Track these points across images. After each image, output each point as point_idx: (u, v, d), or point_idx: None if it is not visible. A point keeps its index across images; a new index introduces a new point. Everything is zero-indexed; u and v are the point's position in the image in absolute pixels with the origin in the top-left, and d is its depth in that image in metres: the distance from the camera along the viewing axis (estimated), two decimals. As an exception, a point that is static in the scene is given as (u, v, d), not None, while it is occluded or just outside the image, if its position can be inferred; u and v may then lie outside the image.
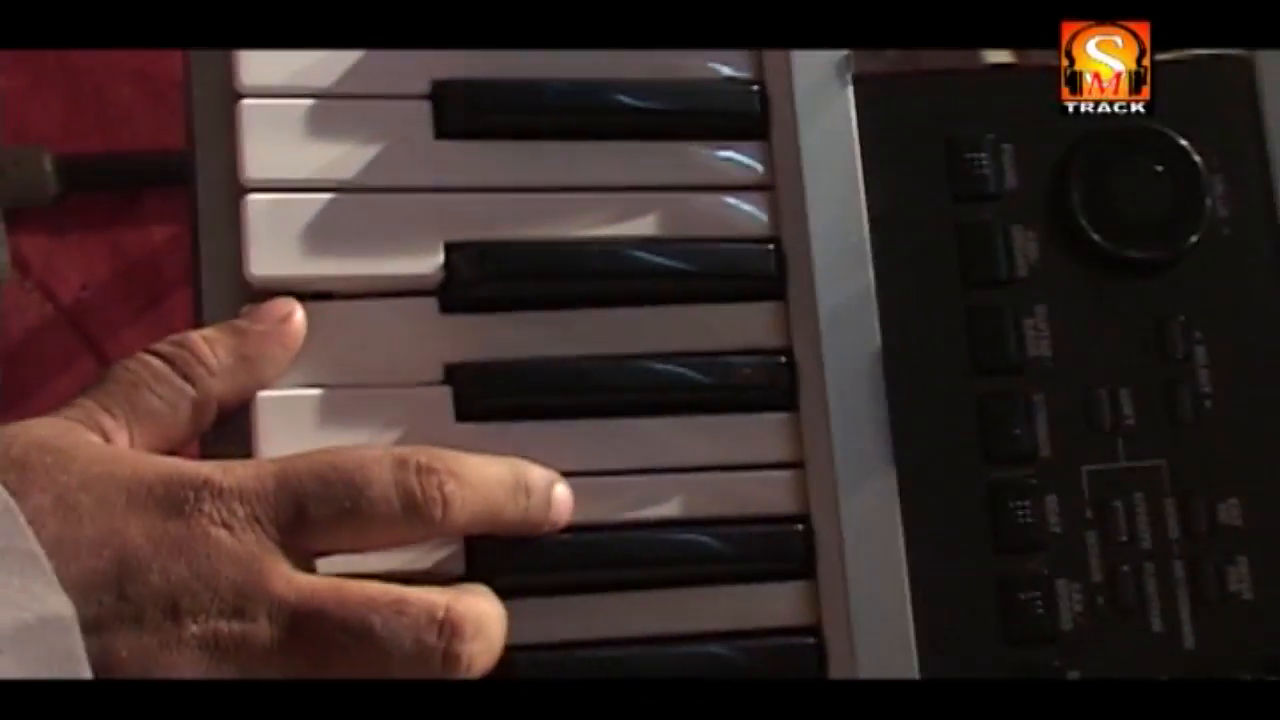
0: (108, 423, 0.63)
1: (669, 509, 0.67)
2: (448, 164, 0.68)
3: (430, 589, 0.62)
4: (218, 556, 0.58)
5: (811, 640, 0.66)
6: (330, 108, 0.67)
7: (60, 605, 0.54)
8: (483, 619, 0.62)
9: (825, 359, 0.67)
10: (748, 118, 0.74)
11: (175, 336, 0.65)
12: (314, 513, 0.60)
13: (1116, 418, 0.70)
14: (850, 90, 0.73)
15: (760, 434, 0.68)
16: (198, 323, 0.67)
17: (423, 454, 0.62)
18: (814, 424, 0.67)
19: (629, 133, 0.71)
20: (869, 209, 0.71)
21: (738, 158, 0.73)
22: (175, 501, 0.59)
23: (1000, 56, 0.87)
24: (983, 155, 0.74)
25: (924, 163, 0.74)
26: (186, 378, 0.64)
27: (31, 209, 1.71)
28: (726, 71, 0.74)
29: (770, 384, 0.68)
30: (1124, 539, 0.69)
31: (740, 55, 0.75)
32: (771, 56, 0.75)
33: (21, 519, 0.54)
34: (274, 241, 0.66)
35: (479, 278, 0.67)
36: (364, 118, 0.68)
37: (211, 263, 0.68)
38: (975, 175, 0.74)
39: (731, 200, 0.71)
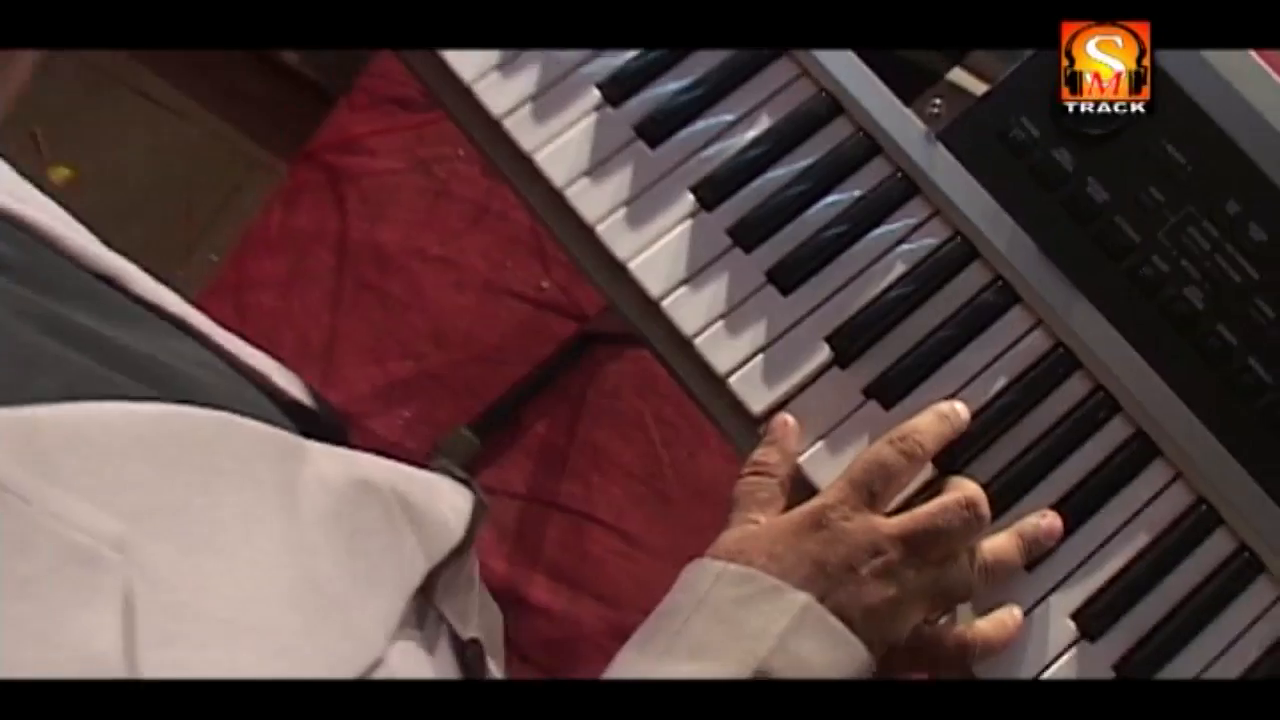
0: (753, 515, 0.73)
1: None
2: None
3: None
4: (854, 534, 0.69)
5: None
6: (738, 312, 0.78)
7: (804, 597, 0.66)
8: (983, 500, 0.71)
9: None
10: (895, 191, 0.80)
11: (748, 463, 0.76)
12: (877, 486, 0.71)
13: None
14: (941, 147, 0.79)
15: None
16: (739, 454, 0.78)
17: (894, 433, 0.73)
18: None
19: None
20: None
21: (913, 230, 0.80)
22: (816, 522, 0.69)
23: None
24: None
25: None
26: (771, 476, 0.75)
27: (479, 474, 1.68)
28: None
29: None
30: None
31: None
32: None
33: (769, 579, 0.67)
34: (756, 389, 0.77)
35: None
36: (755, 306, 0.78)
37: (729, 422, 0.78)
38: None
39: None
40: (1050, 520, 0.74)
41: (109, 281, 0.53)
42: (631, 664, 0.68)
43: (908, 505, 0.72)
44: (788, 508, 0.74)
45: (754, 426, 0.77)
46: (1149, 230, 0.78)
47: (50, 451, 0.38)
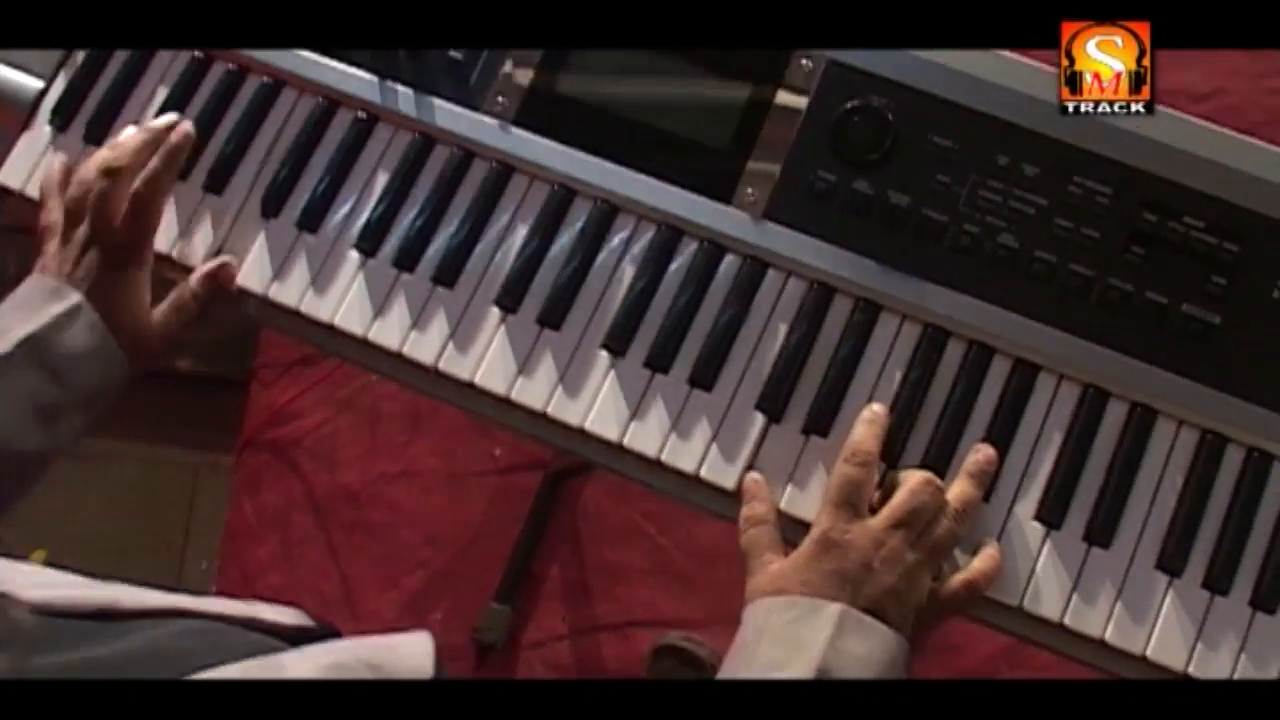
0: (766, 558, 0.86)
1: None
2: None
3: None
4: (857, 540, 0.82)
5: None
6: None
7: (838, 607, 0.79)
8: (933, 476, 0.85)
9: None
10: (751, 273, 0.94)
11: (741, 521, 0.87)
12: (853, 499, 0.84)
13: None
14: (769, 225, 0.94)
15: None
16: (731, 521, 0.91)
17: (844, 453, 0.86)
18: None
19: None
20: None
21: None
22: (826, 545, 0.83)
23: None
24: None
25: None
26: (764, 523, 0.87)
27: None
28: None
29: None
30: None
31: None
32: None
33: (808, 600, 0.79)
34: (723, 470, 0.92)
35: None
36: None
37: (713, 503, 0.91)
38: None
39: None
40: (983, 450, 0.90)
41: (103, 615, 0.67)
42: None
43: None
44: (786, 543, 0.87)
45: (734, 496, 0.91)
46: (951, 208, 0.94)
47: None
